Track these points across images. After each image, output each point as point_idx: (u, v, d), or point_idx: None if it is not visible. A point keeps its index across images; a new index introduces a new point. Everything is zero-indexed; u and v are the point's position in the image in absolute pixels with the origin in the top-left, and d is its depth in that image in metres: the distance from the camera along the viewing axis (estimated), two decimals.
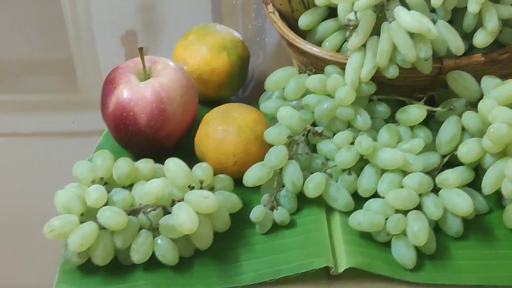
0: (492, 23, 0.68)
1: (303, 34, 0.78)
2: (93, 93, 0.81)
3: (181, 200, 0.61)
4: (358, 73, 0.69)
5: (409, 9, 0.67)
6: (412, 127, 0.70)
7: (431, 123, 0.72)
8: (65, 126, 0.81)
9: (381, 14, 0.68)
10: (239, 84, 0.80)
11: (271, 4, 0.79)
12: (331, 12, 0.76)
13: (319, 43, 0.76)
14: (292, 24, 0.78)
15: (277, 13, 0.78)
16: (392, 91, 0.73)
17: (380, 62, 0.67)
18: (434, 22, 0.69)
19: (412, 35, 0.66)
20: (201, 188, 0.64)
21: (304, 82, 0.72)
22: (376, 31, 0.68)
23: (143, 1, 1.08)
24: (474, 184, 0.68)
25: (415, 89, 0.73)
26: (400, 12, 0.65)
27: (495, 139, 0.64)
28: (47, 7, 1.06)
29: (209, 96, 0.79)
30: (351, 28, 0.69)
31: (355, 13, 0.68)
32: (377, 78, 0.69)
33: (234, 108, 0.70)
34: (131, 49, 0.95)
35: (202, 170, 0.65)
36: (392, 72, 0.68)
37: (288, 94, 0.73)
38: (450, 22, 0.71)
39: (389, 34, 0.66)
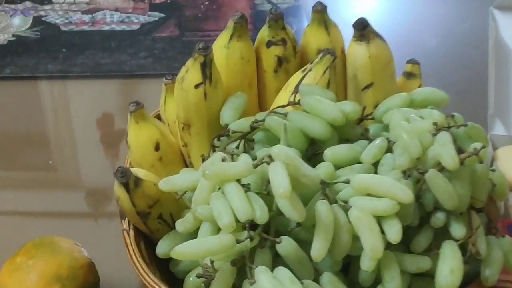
0: (393, 285, 0.54)
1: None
2: (68, 173, 0.92)
3: None
4: None
5: (284, 264, 0.54)
6: None
7: None
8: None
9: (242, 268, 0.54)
10: None
11: (127, 219, 0.65)
12: None
13: (186, 273, 0.62)
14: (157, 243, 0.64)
15: (132, 232, 0.64)
16: None
17: None
18: (320, 274, 0.56)
19: None
20: None
21: None
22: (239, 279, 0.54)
23: (121, 84, 1.06)
24: None
25: None
26: (261, 277, 0.51)
27: None
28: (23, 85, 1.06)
29: None
30: (207, 279, 0.55)
31: (211, 262, 0.54)
32: None
33: None
34: (107, 132, 0.98)
35: None
36: None
37: None
38: (345, 270, 0.57)
39: None
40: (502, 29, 0.85)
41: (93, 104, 1.02)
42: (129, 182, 0.60)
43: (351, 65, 0.71)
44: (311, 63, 0.69)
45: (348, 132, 0.64)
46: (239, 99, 0.67)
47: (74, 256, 0.65)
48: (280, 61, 0.71)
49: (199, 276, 0.55)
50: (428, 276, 0.58)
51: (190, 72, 0.65)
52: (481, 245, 0.58)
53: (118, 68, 1.07)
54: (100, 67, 1.07)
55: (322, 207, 0.54)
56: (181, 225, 0.60)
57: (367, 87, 0.71)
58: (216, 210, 0.54)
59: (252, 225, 0.54)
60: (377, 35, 0.70)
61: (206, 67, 0.65)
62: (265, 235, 0.54)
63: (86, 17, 1.17)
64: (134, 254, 0.62)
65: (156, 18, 1.18)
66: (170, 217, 0.63)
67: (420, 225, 0.58)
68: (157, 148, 0.68)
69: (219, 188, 0.56)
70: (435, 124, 0.59)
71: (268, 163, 0.54)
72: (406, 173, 0.57)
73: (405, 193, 0.54)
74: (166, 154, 0.69)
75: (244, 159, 0.57)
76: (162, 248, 0.62)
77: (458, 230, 0.57)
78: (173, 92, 0.72)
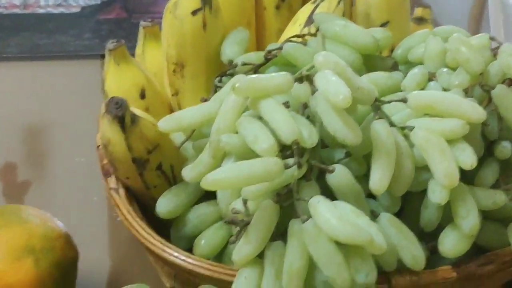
0: (470, 220, 0.45)
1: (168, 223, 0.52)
2: None
3: None
4: None
5: (332, 197, 0.43)
6: None
7: None
8: None
9: (286, 203, 0.43)
10: None
11: (113, 177, 0.53)
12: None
13: (190, 240, 0.51)
14: (153, 207, 0.52)
15: (122, 191, 0.52)
16: None
17: (288, 287, 0.42)
18: (376, 216, 0.46)
19: (340, 244, 0.41)
20: None
21: None
22: (280, 233, 0.44)
23: (26, 129, 0.89)
24: None
25: None
26: (320, 207, 0.41)
27: None
28: None
29: None
30: (238, 227, 0.44)
31: (245, 202, 0.44)
32: None
33: None
34: (10, 183, 0.81)
35: None
36: None
37: None
38: (399, 214, 0.48)
39: (301, 243, 0.42)
40: None
41: (34, 89, 0.90)
42: (125, 116, 0.48)
43: (362, 1, 0.63)
44: None
45: (378, 64, 0.55)
46: (242, 33, 0.57)
47: (49, 225, 0.53)
48: None
49: (228, 222, 0.44)
50: (494, 219, 0.49)
51: None
52: None
53: (61, 49, 0.94)
54: (39, 48, 0.94)
55: (380, 127, 0.44)
56: (190, 170, 0.49)
57: (382, 26, 0.62)
58: (250, 134, 0.43)
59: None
60: None
61: None
62: (316, 162, 0.43)
63: (17, 1, 1.05)
64: (129, 213, 0.50)
65: (98, 2, 1.07)
66: (171, 169, 0.52)
67: (481, 159, 0.50)
68: (142, 95, 0.57)
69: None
70: (492, 38, 0.52)
71: (311, 77, 0.44)
72: (468, 93, 0.49)
73: (476, 110, 0.46)
74: (153, 104, 0.58)
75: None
76: (164, 206, 0.51)
77: None
78: (154, 38, 0.62)
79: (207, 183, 0.40)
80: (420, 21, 0.69)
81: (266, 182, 0.42)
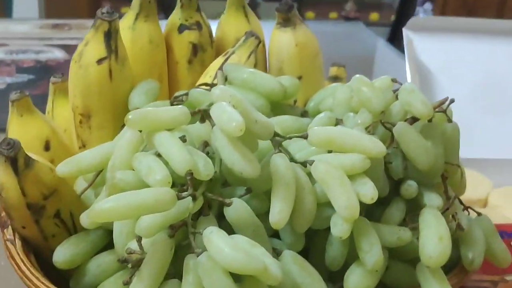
0: (373, 254, 0.44)
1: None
2: None
3: None
4: None
5: (232, 232, 0.42)
6: None
7: None
8: None
9: (184, 242, 0.42)
10: None
11: (10, 228, 0.51)
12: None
13: None
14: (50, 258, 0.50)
15: (19, 242, 0.50)
16: None
17: None
18: (279, 254, 0.44)
19: (238, 277, 0.39)
20: None
21: None
22: (181, 274, 0.42)
23: None
24: None
25: None
26: (213, 237, 0.39)
27: None
28: None
29: None
30: (132, 266, 0.41)
31: (139, 240, 0.42)
32: None
33: None
34: None
35: None
36: None
37: None
38: (305, 252, 0.46)
39: (196, 278, 0.40)
40: (418, 49, 0.82)
41: None
42: (18, 158, 0.47)
43: (275, 57, 0.63)
44: (232, 47, 0.61)
45: (288, 112, 0.55)
46: (151, 84, 0.57)
47: None
48: (196, 49, 0.62)
49: (121, 261, 0.41)
50: (402, 260, 0.48)
51: (91, 45, 0.55)
52: (462, 218, 0.49)
53: None
54: None
55: (279, 160, 0.43)
56: (88, 215, 0.47)
57: None
58: (144, 167, 0.42)
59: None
60: (302, 21, 0.63)
61: (111, 38, 0.55)
62: (212, 195, 0.42)
63: None
64: (24, 264, 0.48)
65: (25, 79, 1.07)
66: (71, 217, 0.50)
67: (388, 199, 0.49)
68: (47, 147, 0.56)
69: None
70: (394, 80, 0.52)
71: (208, 112, 0.44)
72: (369, 131, 0.48)
73: (376, 145, 0.45)
74: (60, 157, 0.56)
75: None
76: (61, 255, 0.48)
77: (434, 199, 0.48)
78: (63, 94, 0.61)
79: (94, 213, 0.39)
80: (335, 79, 0.70)
81: (159, 218, 0.40)
